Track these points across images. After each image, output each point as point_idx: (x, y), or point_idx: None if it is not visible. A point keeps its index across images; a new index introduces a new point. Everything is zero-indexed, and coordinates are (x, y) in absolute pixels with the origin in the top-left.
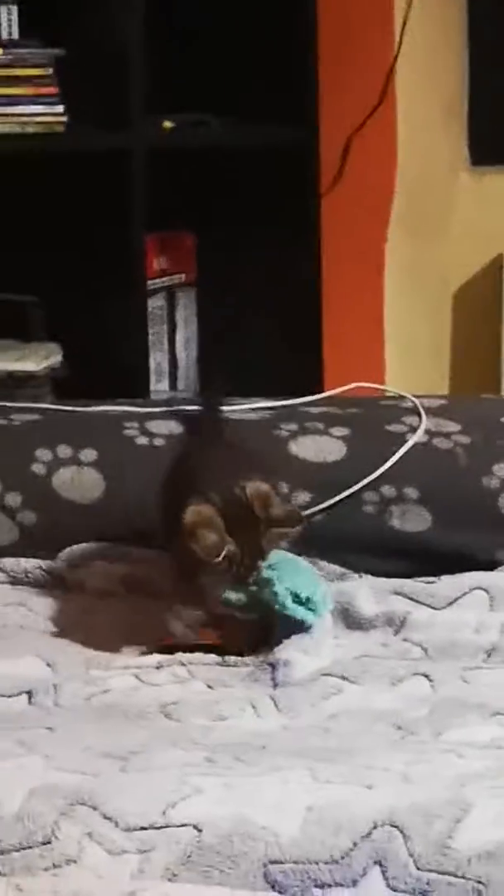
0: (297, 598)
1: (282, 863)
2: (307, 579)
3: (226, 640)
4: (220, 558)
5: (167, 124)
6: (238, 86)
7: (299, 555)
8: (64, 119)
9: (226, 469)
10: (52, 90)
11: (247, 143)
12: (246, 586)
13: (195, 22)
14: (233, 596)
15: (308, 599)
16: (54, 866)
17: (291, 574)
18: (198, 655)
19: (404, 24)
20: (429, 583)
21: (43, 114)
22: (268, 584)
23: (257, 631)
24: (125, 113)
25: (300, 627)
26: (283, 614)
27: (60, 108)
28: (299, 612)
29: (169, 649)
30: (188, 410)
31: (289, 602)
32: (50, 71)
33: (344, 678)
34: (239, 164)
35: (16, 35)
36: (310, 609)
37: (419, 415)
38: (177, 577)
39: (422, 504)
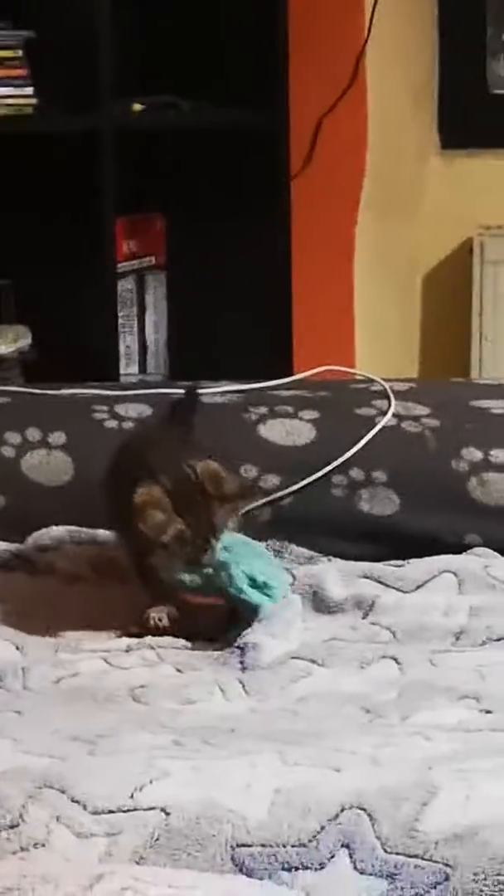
0: (253, 583)
1: (249, 846)
2: (264, 564)
3: (183, 623)
4: (167, 537)
5: (136, 106)
6: (207, 68)
7: (267, 538)
8: (34, 101)
9: (174, 449)
10: (22, 72)
11: (216, 126)
12: (200, 568)
13: (165, 4)
14: (186, 577)
15: (265, 584)
16: (22, 849)
17: (249, 558)
18: (167, 639)
19: (374, 6)
20: (397, 566)
21: (12, 96)
22: (224, 566)
23: (219, 614)
24: (95, 95)
25: (255, 612)
26: (238, 598)
27: (30, 91)
28: (255, 597)
29: (138, 633)
30: (158, 393)
31: (245, 586)
32: (20, 53)
33: (312, 661)
34: (209, 147)
35: None
36: (266, 594)
37: (388, 398)
38: (130, 560)
39: (390, 487)
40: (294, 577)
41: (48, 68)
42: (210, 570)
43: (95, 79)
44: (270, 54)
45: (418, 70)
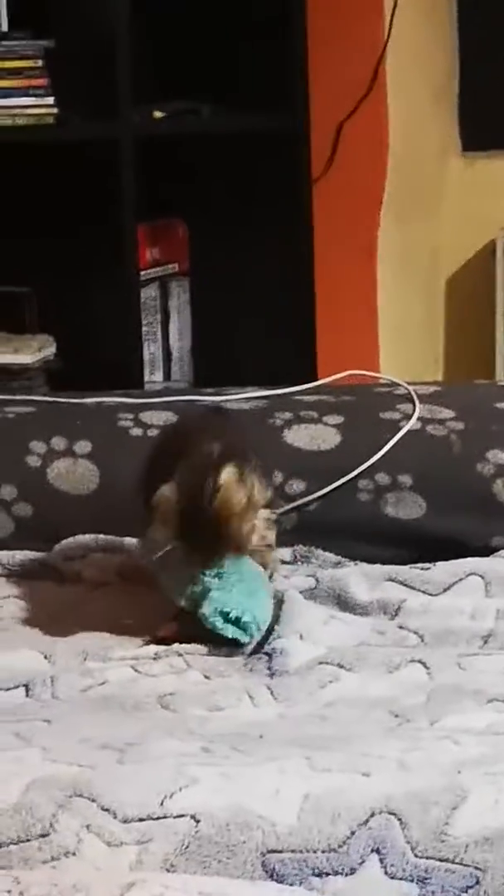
0: (226, 618)
1: (280, 852)
2: (243, 597)
3: (181, 631)
4: (159, 555)
5: (157, 113)
6: (228, 73)
7: (293, 543)
8: (54, 110)
9: (202, 451)
10: (42, 82)
11: (237, 131)
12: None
13: (184, 10)
14: (188, 590)
15: (237, 619)
16: (53, 859)
17: (231, 588)
18: (195, 646)
19: (394, 9)
20: (424, 569)
21: (33, 105)
22: (201, 597)
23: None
24: (115, 103)
25: (236, 645)
26: (213, 633)
27: (51, 100)
28: (229, 631)
29: (166, 640)
30: (183, 400)
31: (218, 622)
32: (40, 63)
33: (340, 666)
34: (230, 152)
35: (5, 27)
36: (240, 629)
37: (413, 402)
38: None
39: (416, 491)
40: (317, 581)
41: (68, 77)
42: (191, 600)
43: (115, 87)
44: (290, 58)
45: (439, 72)
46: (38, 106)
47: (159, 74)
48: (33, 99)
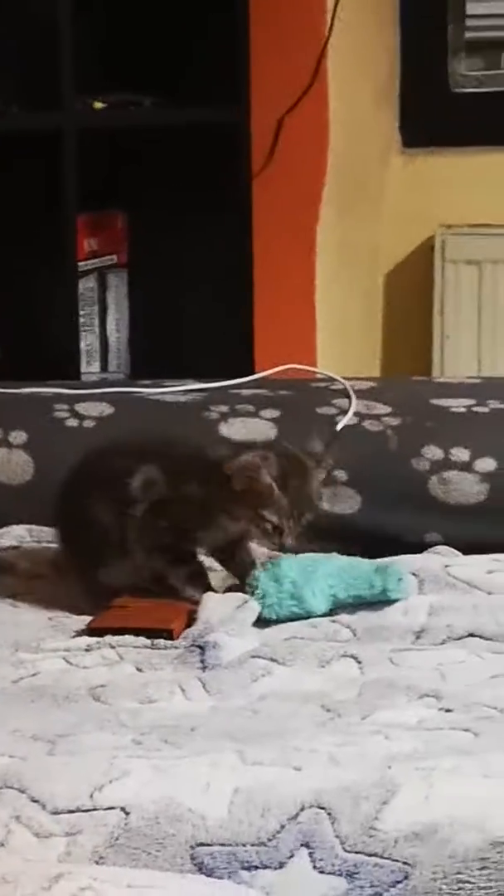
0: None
1: (209, 845)
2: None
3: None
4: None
5: (98, 104)
6: (170, 66)
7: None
8: None
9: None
10: None
11: (178, 124)
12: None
13: (127, 2)
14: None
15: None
16: None
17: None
18: (127, 638)
19: (336, 5)
20: None
21: None
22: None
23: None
24: (56, 93)
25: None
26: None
27: None
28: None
29: (99, 632)
30: (119, 392)
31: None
32: None
33: (273, 660)
34: (170, 145)
35: None
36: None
37: (349, 397)
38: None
39: (351, 486)
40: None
41: (10, 67)
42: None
43: (57, 77)
44: (232, 52)
45: (380, 69)
46: None
47: (102, 66)
48: None
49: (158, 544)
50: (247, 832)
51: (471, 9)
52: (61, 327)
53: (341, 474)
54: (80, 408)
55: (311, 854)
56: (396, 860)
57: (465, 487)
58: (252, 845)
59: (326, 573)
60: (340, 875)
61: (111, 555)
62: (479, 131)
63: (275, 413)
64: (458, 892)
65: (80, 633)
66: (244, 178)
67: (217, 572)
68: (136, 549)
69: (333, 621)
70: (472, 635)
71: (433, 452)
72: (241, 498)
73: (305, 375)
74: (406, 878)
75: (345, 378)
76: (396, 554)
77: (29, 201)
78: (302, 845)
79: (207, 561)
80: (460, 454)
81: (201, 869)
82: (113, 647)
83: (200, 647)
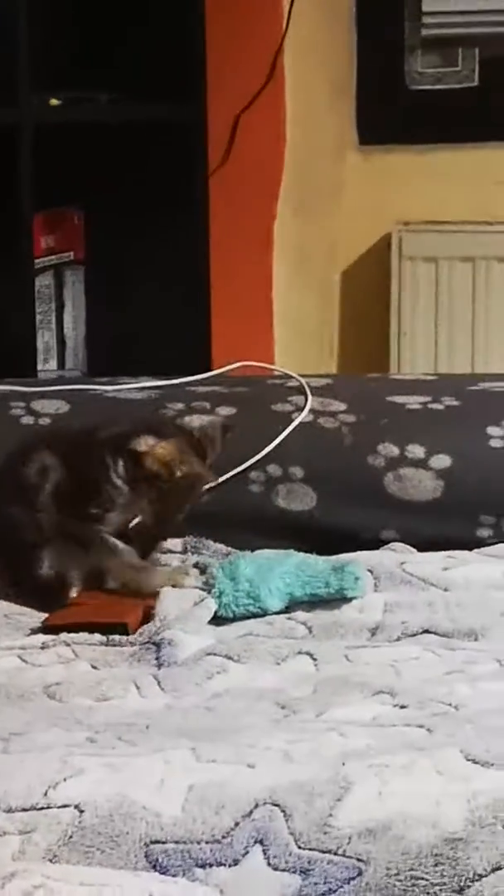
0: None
1: (163, 843)
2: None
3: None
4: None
5: (54, 101)
6: (126, 62)
7: (184, 534)
8: None
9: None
10: None
11: (135, 120)
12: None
13: None
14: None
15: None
16: None
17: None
18: (83, 635)
19: (292, 2)
20: None
21: None
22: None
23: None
24: (12, 89)
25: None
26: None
27: None
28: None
29: (55, 629)
30: (75, 389)
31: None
32: None
33: (228, 657)
34: (127, 141)
35: None
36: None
37: (305, 394)
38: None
39: (307, 483)
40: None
41: None
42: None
43: (13, 73)
44: (188, 49)
45: (336, 66)
46: None
47: (58, 62)
48: None
49: (63, 531)
50: (201, 830)
51: (427, 5)
52: (18, 324)
53: (297, 471)
54: (37, 405)
55: (265, 851)
56: (350, 857)
57: (421, 484)
58: (206, 843)
59: (283, 571)
60: (294, 872)
61: (33, 548)
62: (436, 128)
63: (231, 410)
64: (411, 888)
65: (35, 631)
66: (201, 174)
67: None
68: (50, 537)
69: (289, 618)
70: (427, 632)
71: (388, 449)
72: (144, 480)
73: (262, 372)
74: (360, 874)
75: (301, 375)
76: (352, 551)
77: None
78: (256, 842)
79: (112, 542)
80: (416, 451)
81: (155, 867)
82: (68, 645)
83: (156, 645)
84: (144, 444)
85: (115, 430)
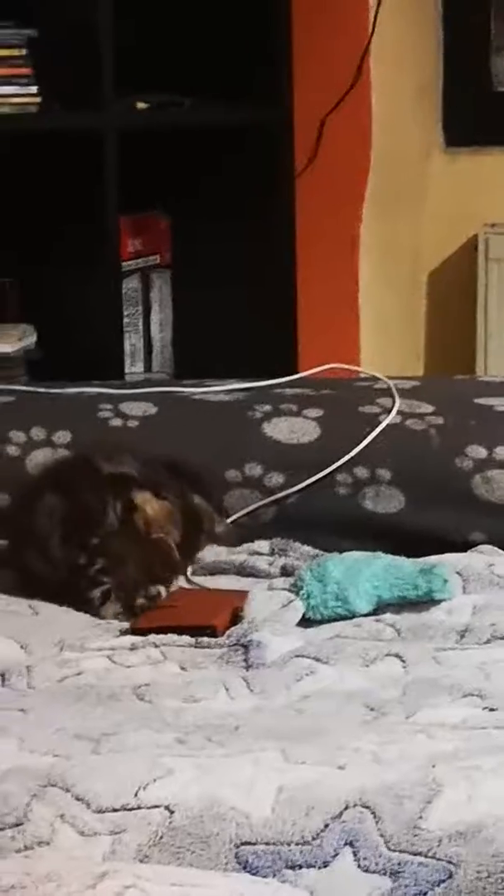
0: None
1: (253, 844)
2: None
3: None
4: None
5: (140, 105)
6: (212, 66)
7: (271, 536)
8: (37, 100)
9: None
10: (26, 70)
11: (220, 124)
12: None
13: (167, 1)
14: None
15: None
16: (26, 848)
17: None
18: (171, 637)
19: (378, 4)
20: None
21: (16, 94)
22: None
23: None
24: (98, 93)
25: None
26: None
27: (34, 89)
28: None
29: (143, 632)
30: (162, 391)
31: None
32: (23, 52)
33: (317, 659)
34: (212, 145)
35: None
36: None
37: (392, 396)
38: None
39: (395, 485)
40: (300, 576)
41: (52, 67)
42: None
43: (99, 77)
44: (275, 51)
45: (422, 68)
46: (21, 95)
47: (143, 65)
48: (16, 88)
49: (73, 564)
50: (291, 831)
51: None
52: (105, 328)
53: (385, 473)
54: (125, 407)
55: (355, 853)
56: (441, 859)
57: None
58: (296, 844)
59: (371, 573)
60: (385, 874)
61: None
62: None
63: (318, 412)
64: (502, 891)
65: (124, 633)
66: (287, 178)
67: None
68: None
69: (377, 620)
70: None
71: (477, 451)
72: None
73: (349, 375)
74: (450, 877)
75: (388, 377)
76: (440, 553)
77: (72, 202)
78: (346, 844)
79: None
80: (503, 453)
81: (246, 867)
82: (157, 646)
83: (244, 646)
84: (141, 497)
85: (121, 469)
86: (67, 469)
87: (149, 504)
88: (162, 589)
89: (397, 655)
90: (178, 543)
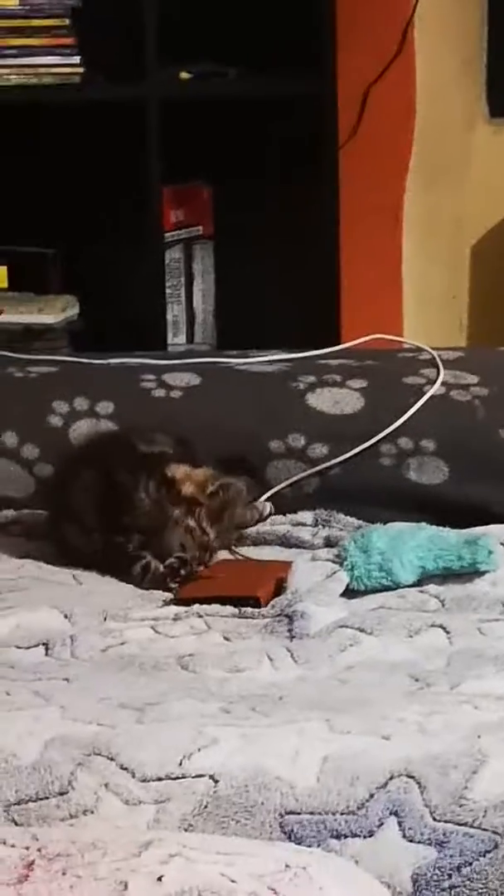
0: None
1: (298, 813)
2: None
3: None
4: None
5: (184, 75)
6: (255, 36)
7: (315, 507)
8: (80, 70)
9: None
10: (69, 41)
11: (264, 94)
12: None
13: None
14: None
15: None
16: (71, 816)
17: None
18: (215, 607)
19: None
20: None
21: (59, 65)
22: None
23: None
24: (141, 64)
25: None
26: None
27: (77, 59)
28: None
29: (186, 601)
30: (205, 362)
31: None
32: (66, 21)
33: (361, 630)
34: (256, 116)
35: None
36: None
37: (437, 367)
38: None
39: (439, 456)
40: (344, 547)
41: (95, 37)
42: None
43: (142, 47)
44: (318, 22)
45: (467, 38)
46: (64, 65)
47: (186, 36)
48: (59, 58)
49: (111, 544)
50: (336, 801)
51: None
52: (147, 298)
53: (429, 444)
54: (168, 378)
55: (400, 823)
56: (486, 829)
57: None
58: (341, 814)
59: (415, 544)
60: (430, 844)
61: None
62: None
63: (362, 383)
64: None
65: (167, 603)
66: (330, 148)
67: None
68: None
69: (421, 591)
70: None
71: None
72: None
73: (393, 346)
74: (496, 847)
75: (432, 348)
76: (484, 524)
77: (115, 172)
78: (391, 814)
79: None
80: None
81: (290, 837)
82: (200, 616)
83: (288, 617)
84: (176, 470)
85: (156, 448)
86: (104, 446)
87: (184, 473)
88: (195, 557)
89: (441, 626)
90: (217, 512)
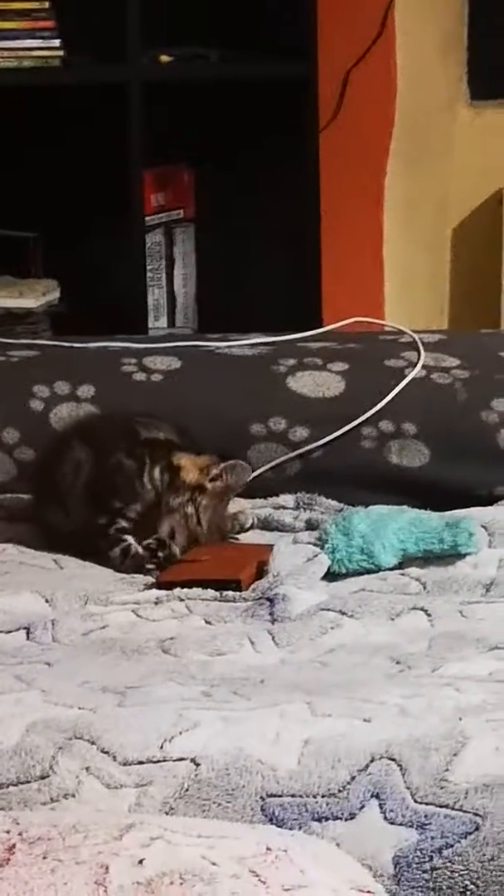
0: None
1: (279, 796)
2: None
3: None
4: None
5: (164, 58)
6: (237, 19)
7: (296, 490)
8: (60, 53)
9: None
10: (49, 24)
11: (245, 77)
12: None
13: None
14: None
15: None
16: (52, 800)
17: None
18: (196, 591)
19: None
20: None
21: (39, 48)
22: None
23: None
24: (122, 46)
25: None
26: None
27: (57, 42)
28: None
29: (168, 585)
30: (186, 346)
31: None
32: (46, 4)
33: (342, 613)
34: (237, 98)
35: None
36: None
37: (418, 350)
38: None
39: (420, 439)
40: (326, 530)
41: (75, 20)
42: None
43: (123, 30)
44: (300, 4)
45: (448, 20)
46: (44, 48)
47: (168, 19)
48: (40, 41)
49: (93, 525)
50: (317, 783)
51: None
52: (128, 282)
53: (410, 427)
54: (148, 361)
55: (381, 805)
56: (467, 811)
57: None
58: (322, 796)
59: (396, 527)
60: (411, 826)
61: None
62: None
63: (343, 366)
64: None
65: (149, 587)
66: (311, 131)
67: None
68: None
69: (403, 574)
70: None
71: (502, 405)
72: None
73: (374, 328)
74: (477, 829)
75: (413, 331)
76: (466, 507)
77: (96, 155)
78: (372, 796)
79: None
80: None
81: (272, 820)
82: (182, 600)
83: (269, 600)
84: (181, 458)
85: (157, 435)
86: (102, 427)
87: (190, 461)
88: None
89: (423, 609)
90: (220, 496)
